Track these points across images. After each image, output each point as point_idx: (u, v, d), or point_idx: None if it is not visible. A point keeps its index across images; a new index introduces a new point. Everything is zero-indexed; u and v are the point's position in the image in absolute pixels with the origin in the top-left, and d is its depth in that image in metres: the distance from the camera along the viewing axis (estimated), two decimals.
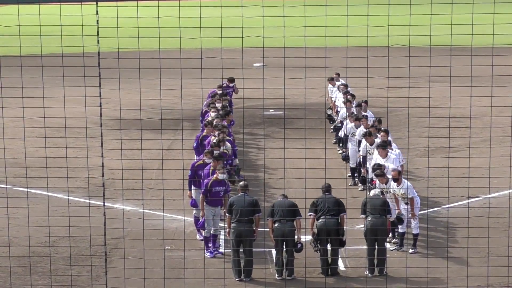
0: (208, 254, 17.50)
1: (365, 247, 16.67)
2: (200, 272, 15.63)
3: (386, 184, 17.58)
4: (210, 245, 17.61)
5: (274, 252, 16.61)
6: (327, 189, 16.62)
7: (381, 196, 17.05)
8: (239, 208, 16.05)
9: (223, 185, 17.51)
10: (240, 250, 16.23)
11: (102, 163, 14.14)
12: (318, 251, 16.24)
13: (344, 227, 16.26)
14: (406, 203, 17.62)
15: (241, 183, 16.96)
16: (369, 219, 16.39)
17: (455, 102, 15.96)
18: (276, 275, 16.17)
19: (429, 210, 20.09)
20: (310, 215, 16.31)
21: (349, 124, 25.20)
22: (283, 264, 16.14)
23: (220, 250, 17.77)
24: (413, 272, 15.85)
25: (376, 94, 27.80)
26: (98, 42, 13.25)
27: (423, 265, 15.61)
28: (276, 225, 16.06)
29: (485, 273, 15.45)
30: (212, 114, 24.91)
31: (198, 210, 17.95)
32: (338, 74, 32.36)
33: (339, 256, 16.58)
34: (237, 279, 16.08)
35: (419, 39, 14.35)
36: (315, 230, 16.29)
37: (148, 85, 15.19)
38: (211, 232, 17.61)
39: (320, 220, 16.19)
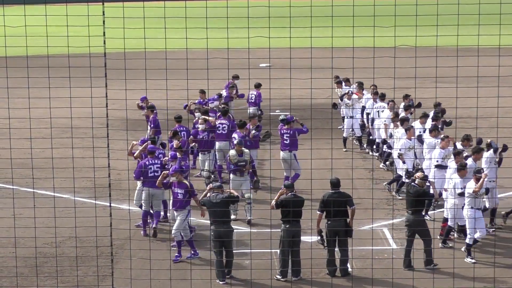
0: (174, 257, 17.04)
1: (370, 248, 16.67)
2: (206, 272, 15.64)
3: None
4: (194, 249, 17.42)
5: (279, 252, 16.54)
6: (336, 184, 16.11)
7: (414, 186, 16.70)
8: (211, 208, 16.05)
9: (183, 187, 17.15)
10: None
11: (108, 164, 14.16)
12: (325, 246, 16.11)
13: (352, 225, 16.07)
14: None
15: (216, 184, 16.92)
16: (406, 214, 16.51)
17: (461, 103, 15.91)
18: (281, 277, 16.01)
19: (437, 211, 20.06)
20: (318, 213, 16.11)
21: (375, 104, 27.35)
22: (288, 265, 16.04)
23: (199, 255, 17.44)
24: (419, 272, 15.84)
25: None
26: (104, 43, 13.26)
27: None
28: (287, 226, 15.90)
29: (492, 274, 15.43)
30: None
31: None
32: (338, 79, 32.45)
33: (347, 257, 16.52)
34: (221, 283, 15.74)
35: (426, 39, 14.33)
36: (323, 229, 16.16)
37: (154, 86, 15.20)
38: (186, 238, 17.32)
39: (329, 223, 16.04)
